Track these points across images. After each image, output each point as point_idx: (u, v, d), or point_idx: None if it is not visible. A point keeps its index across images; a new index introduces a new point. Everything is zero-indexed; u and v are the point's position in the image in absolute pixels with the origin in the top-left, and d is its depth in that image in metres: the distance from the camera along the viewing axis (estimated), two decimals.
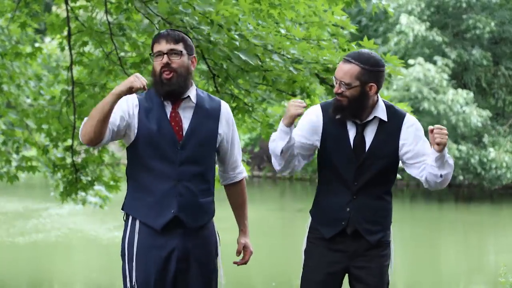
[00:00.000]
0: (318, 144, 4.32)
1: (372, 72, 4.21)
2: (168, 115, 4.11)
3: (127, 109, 4.09)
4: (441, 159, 4.18)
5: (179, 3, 6.38)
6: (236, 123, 9.11)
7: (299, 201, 26.05)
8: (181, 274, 4.10)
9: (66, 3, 8.88)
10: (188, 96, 4.15)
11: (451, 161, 4.23)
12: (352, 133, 4.29)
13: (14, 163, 10.45)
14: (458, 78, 28.40)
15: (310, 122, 4.33)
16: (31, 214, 19.71)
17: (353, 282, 4.34)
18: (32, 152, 13.00)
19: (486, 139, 26.90)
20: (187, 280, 4.12)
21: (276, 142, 4.24)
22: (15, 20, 9.65)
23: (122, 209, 4.20)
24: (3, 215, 19.61)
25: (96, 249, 15.80)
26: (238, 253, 4.35)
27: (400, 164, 4.41)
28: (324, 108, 4.34)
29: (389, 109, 4.33)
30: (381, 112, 4.29)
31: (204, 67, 7.73)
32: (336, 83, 4.25)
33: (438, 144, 4.13)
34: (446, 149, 4.17)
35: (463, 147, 26.47)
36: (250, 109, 7.80)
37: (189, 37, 4.25)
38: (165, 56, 4.08)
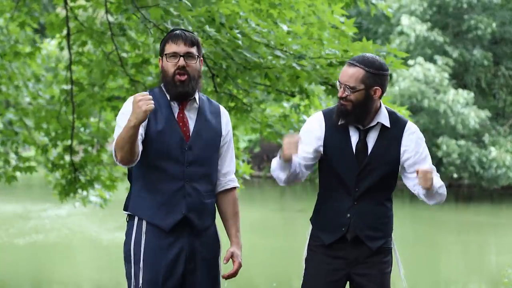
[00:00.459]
0: (321, 150, 4.29)
1: (376, 75, 4.19)
2: (176, 116, 4.10)
3: None
4: (429, 193, 4.20)
5: (173, 3, 6.32)
6: (235, 123, 9.15)
7: (299, 201, 26.04)
8: (189, 274, 4.08)
9: (65, 3, 8.87)
10: (194, 98, 4.14)
11: (441, 189, 4.21)
12: (354, 139, 4.26)
13: (13, 162, 10.43)
14: (459, 78, 28.40)
15: (312, 131, 4.30)
16: (30, 215, 19.70)
17: None
18: (30, 152, 12.99)
19: (486, 138, 26.91)
20: (195, 280, 4.10)
21: (278, 173, 4.22)
22: (15, 19, 9.63)
23: (125, 210, 4.16)
24: (2, 216, 19.59)
25: (96, 249, 15.79)
26: (226, 260, 4.22)
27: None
28: (326, 114, 4.32)
29: (391, 115, 4.31)
30: (383, 118, 4.27)
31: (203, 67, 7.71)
32: (340, 87, 4.22)
33: (423, 187, 4.13)
34: (434, 185, 4.14)
35: (462, 145, 26.48)
36: (249, 109, 7.78)
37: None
38: (182, 58, 4.04)
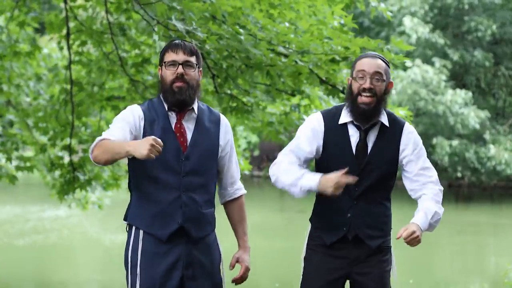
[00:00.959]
0: (320, 149, 4.31)
1: (389, 71, 4.28)
2: (173, 126, 4.13)
3: (133, 122, 4.10)
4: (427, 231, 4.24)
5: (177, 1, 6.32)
6: (235, 123, 9.14)
7: (299, 201, 26.00)
8: (188, 281, 4.11)
9: (65, 3, 8.87)
10: (192, 108, 4.16)
11: (434, 221, 4.20)
12: (354, 139, 4.28)
13: (13, 162, 10.43)
14: (458, 79, 28.41)
15: (311, 130, 4.32)
16: (30, 216, 19.69)
17: None
18: (30, 153, 12.99)
19: (487, 135, 26.94)
20: (194, 287, 4.12)
21: (294, 191, 4.24)
22: (14, 19, 9.63)
23: (125, 220, 4.20)
24: (2, 216, 19.59)
25: (96, 250, 15.78)
26: (231, 266, 4.30)
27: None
28: (325, 114, 4.34)
29: (390, 115, 4.35)
30: (383, 118, 4.30)
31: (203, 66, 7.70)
32: (364, 78, 4.21)
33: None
34: (428, 229, 4.19)
35: (462, 144, 26.50)
36: (249, 109, 7.77)
37: (188, 40, 4.26)
38: (180, 66, 4.09)
